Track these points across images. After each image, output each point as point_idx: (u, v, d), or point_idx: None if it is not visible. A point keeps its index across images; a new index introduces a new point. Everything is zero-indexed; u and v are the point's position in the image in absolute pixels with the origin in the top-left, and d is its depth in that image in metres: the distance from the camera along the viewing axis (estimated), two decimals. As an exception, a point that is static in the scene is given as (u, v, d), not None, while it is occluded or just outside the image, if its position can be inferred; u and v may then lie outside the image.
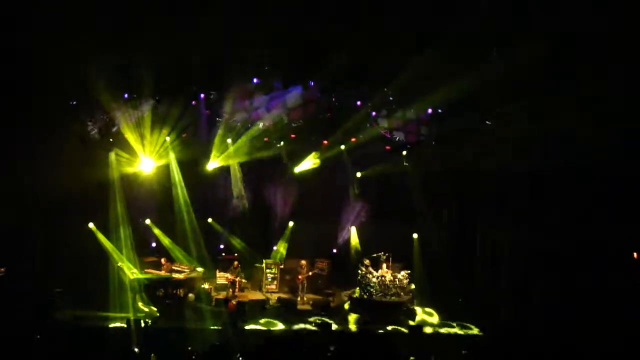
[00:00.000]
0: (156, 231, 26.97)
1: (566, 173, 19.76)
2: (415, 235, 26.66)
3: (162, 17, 20.28)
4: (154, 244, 27.22)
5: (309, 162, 27.56)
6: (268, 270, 24.97)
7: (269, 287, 24.83)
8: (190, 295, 23.36)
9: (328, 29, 21.21)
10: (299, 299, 23.65)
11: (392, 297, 23.51)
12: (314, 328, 20.48)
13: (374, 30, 20.07)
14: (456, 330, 21.25)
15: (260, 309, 22.58)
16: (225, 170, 27.94)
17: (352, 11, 20.82)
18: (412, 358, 15.06)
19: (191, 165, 27.51)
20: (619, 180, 19.15)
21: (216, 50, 22.18)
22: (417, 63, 21.22)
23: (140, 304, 22.26)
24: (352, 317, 22.49)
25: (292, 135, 26.78)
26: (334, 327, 20.38)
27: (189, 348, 15.65)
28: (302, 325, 20.96)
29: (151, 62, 21.88)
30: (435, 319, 22.65)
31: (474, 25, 19.02)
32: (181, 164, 27.21)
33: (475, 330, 20.99)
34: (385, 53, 21.67)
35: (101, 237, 25.14)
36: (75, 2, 19.79)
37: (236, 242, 27.81)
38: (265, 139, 26.78)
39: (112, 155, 25.78)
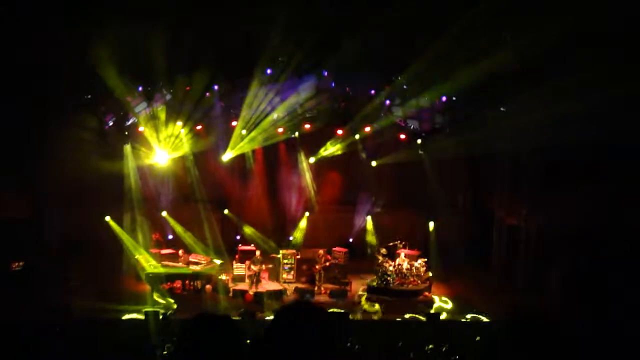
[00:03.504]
0: (173, 223, 27.07)
1: (582, 157, 19.63)
2: (431, 223, 26.67)
3: (175, 8, 20.30)
4: (170, 236, 27.31)
5: (328, 151, 27.60)
6: (285, 261, 24.94)
7: (286, 277, 24.83)
8: (208, 286, 23.43)
9: (341, 18, 21.19)
10: (316, 288, 23.67)
11: (409, 285, 23.57)
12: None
13: (387, 19, 19.99)
14: (473, 317, 21.20)
15: (277, 299, 22.61)
16: (240, 162, 27.98)
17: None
18: (430, 346, 15.07)
19: (206, 157, 27.59)
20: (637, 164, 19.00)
21: (229, 41, 22.21)
22: (431, 50, 21.14)
23: (157, 296, 22.34)
24: (370, 306, 22.48)
25: (307, 126, 26.76)
26: (351, 316, 20.39)
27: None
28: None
29: (164, 54, 21.86)
30: (452, 306, 22.61)
31: (488, 11, 18.93)
32: (196, 155, 27.31)
33: (491, 318, 20.90)
34: (398, 41, 21.60)
35: (118, 229, 25.28)
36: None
37: (252, 233, 27.86)
38: (281, 129, 26.77)
39: (128, 148, 25.90)
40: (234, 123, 26.39)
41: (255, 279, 23.40)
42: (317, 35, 21.88)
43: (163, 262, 24.24)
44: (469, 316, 21.26)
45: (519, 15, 19.37)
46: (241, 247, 25.67)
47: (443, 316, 21.14)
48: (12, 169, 21.91)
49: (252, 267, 23.59)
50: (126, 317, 20.19)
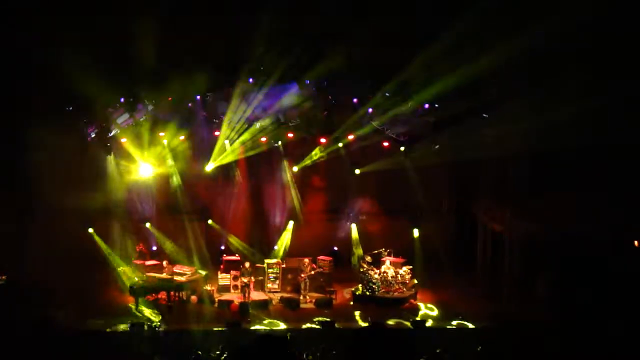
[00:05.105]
0: (157, 234, 26.95)
1: (566, 163, 19.76)
2: (415, 230, 26.68)
3: (158, 19, 20.27)
4: (154, 247, 27.18)
5: (312, 159, 27.59)
6: (270, 270, 24.90)
7: (271, 286, 24.78)
8: (193, 297, 23.33)
9: (324, 27, 21.22)
10: (301, 297, 23.63)
11: (395, 293, 23.59)
12: (317, 327, 20.47)
13: (370, 27, 20.04)
14: (459, 324, 21.20)
15: (263, 309, 22.55)
16: (224, 172, 27.88)
17: (348, 8, 20.86)
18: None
19: (190, 168, 27.47)
20: (619, 169, 19.17)
21: (212, 51, 22.19)
22: (414, 58, 21.21)
23: (142, 308, 22.20)
24: (355, 314, 22.48)
25: (290, 135, 26.72)
26: (337, 325, 20.36)
27: (199, 352, 15.62)
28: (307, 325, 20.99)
29: (146, 64, 21.79)
30: (437, 313, 22.62)
31: (472, 20, 19.08)
32: (179, 166, 27.18)
33: (478, 324, 20.92)
34: (382, 49, 21.65)
35: (101, 242, 25.15)
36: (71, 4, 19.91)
37: (237, 243, 27.78)
38: (264, 138, 26.71)
39: (111, 160, 25.76)
40: (217, 133, 26.30)
41: (247, 290, 23.33)
42: (300, 45, 21.92)
43: (147, 274, 24.09)
44: (454, 323, 21.28)
45: (503, 24, 19.48)
46: (226, 258, 25.58)
47: (429, 323, 21.16)
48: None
49: (243, 278, 23.53)
50: (111, 329, 20.05)
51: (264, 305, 22.90)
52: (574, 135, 18.32)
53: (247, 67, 23.24)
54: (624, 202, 19.21)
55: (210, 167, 27.05)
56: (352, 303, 23.64)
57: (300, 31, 21.62)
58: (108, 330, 19.95)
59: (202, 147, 26.90)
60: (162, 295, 23.30)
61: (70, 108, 24.02)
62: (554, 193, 20.19)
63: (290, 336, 17.52)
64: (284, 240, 27.92)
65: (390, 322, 21.16)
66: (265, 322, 21.12)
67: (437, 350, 15.46)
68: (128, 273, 24.09)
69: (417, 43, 20.89)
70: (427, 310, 22.90)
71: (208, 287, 23.70)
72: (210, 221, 28.46)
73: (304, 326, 20.73)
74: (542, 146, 20.09)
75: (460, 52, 20.35)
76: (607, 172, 19.07)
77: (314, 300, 23.47)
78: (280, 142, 27.41)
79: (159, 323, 20.28)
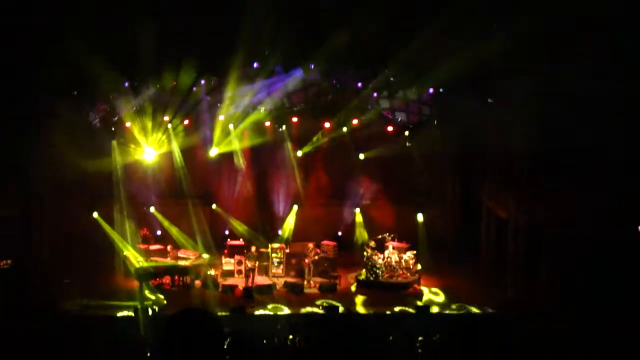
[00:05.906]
0: (161, 219, 26.96)
1: (572, 150, 19.69)
2: (420, 215, 26.66)
3: (160, 3, 20.21)
4: (159, 232, 27.19)
5: (316, 144, 27.58)
6: (274, 255, 24.90)
7: (275, 271, 24.78)
8: (197, 281, 23.37)
9: (327, 10, 21.10)
10: (305, 282, 23.63)
11: (399, 278, 23.59)
12: (321, 311, 20.49)
13: (373, 9, 19.93)
14: (463, 309, 21.20)
15: (267, 293, 22.58)
16: (227, 156, 27.85)
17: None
18: (420, 338, 15.06)
19: (194, 152, 27.48)
20: (621, 156, 19.09)
21: (215, 35, 22.09)
22: (418, 41, 21.08)
23: (147, 292, 22.23)
24: (359, 299, 22.50)
25: (294, 119, 26.69)
26: (341, 309, 20.38)
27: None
28: (309, 309, 20.99)
29: (151, 48, 21.70)
30: (441, 298, 22.62)
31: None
32: (184, 151, 27.16)
33: (480, 309, 20.91)
34: (385, 32, 21.53)
35: (106, 226, 25.16)
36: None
37: (241, 227, 27.77)
38: (268, 123, 26.70)
39: (115, 144, 25.77)
40: (221, 117, 26.25)
41: (251, 274, 23.29)
42: (303, 28, 21.80)
43: (151, 258, 24.16)
44: (454, 307, 21.29)
45: (506, 5, 19.39)
46: (230, 242, 25.57)
47: (434, 309, 21.17)
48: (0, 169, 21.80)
49: (248, 263, 23.48)
50: (115, 313, 20.10)
51: (268, 289, 22.93)
52: (581, 121, 18.27)
53: (251, 52, 23.07)
54: (627, 187, 19.16)
55: (214, 152, 27.02)
56: (353, 289, 23.62)
57: (300, 16, 21.48)
58: (112, 314, 20.01)
59: (206, 132, 26.87)
60: (167, 279, 23.36)
61: (75, 92, 23.97)
62: (559, 180, 20.12)
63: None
64: (288, 225, 27.94)
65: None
66: (270, 306, 21.15)
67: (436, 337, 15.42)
68: (132, 257, 24.09)
69: (417, 27, 20.76)
70: (431, 296, 22.91)
71: (212, 272, 23.73)
72: (214, 206, 28.46)
73: (302, 310, 20.77)
74: (549, 132, 20.00)
75: (461, 37, 20.25)
76: (611, 159, 19.00)
77: (318, 285, 23.49)
78: (284, 127, 27.39)
79: (163, 307, 20.30)
